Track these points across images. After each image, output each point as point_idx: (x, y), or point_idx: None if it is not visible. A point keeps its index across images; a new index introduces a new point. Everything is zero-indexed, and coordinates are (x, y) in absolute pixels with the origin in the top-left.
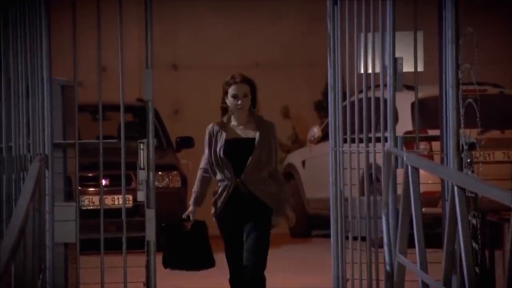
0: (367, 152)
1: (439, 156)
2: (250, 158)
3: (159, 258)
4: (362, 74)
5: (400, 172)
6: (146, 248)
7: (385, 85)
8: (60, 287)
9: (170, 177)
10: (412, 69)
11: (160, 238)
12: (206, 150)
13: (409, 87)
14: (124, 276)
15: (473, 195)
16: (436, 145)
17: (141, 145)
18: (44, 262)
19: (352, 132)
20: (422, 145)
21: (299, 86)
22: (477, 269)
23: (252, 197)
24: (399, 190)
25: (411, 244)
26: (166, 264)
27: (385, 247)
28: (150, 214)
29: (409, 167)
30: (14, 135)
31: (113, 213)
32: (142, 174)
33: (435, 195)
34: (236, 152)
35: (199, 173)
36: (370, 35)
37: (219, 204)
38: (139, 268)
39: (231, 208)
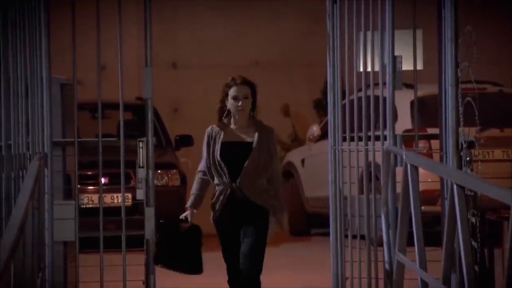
0: (366, 151)
1: (439, 154)
2: (247, 162)
3: None
4: (361, 72)
5: (399, 170)
6: (145, 247)
7: (384, 84)
8: (60, 285)
9: (169, 175)
10: (411, 68)
11: (156, 234)
12: (205, 153)
13: (409, 86)
14: (123, 274)
15: (473, 193)
16: (435, 143)
17: (141, 143)
18: (43, 260)
19: (352, 130)
20: (421, 144)
21: (298, 85)
22: (476, 268)
23: (248, 202)
24: (399, 189)
25: (410, 243)
26: (158, 261)
27: (385, 246)
28: (149, 213)
29: (408, 166)
30: (13, 133)
31: (112, 211)
32: (141, 173)
33: (435, 194)
34: (233, 155)
35: (198, 176)
36: (369, 34)
37: (217, 208)
38: (139, 266)
39: (228, 212)
